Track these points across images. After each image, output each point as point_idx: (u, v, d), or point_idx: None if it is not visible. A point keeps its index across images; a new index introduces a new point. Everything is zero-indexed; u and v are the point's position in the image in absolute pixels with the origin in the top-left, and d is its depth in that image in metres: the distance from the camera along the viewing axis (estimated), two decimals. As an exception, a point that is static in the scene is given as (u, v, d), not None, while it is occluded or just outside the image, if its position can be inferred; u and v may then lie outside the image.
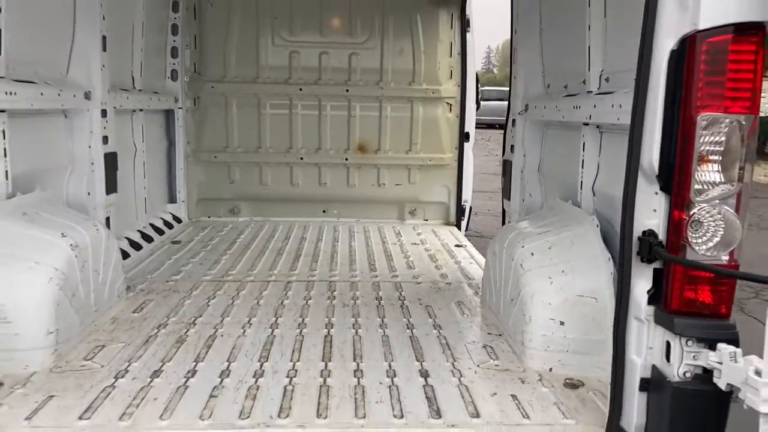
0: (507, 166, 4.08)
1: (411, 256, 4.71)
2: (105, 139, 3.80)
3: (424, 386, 2.48)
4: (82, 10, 3.58)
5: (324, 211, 6.01)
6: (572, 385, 2.50)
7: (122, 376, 2.49)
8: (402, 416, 2.23)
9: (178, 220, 5.59)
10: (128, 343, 2.84)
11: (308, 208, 5.97)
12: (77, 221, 3.06)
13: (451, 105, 5.85)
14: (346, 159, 5.93)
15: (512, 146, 4.03)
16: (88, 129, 3.67)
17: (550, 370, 2.61)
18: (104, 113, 3.78)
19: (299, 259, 4.56)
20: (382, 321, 3.24)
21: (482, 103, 9.25)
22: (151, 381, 2.46)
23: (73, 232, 2.87)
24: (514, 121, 4.01)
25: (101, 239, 3.12)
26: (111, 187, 3.91)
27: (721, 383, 1.74)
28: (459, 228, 5.88)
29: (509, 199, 4.05)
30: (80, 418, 2.16)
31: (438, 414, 2.25)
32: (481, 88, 12.61)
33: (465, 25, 5.76)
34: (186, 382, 2.46)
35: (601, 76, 2.96)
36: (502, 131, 4.42)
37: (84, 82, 3.63)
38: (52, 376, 2.48)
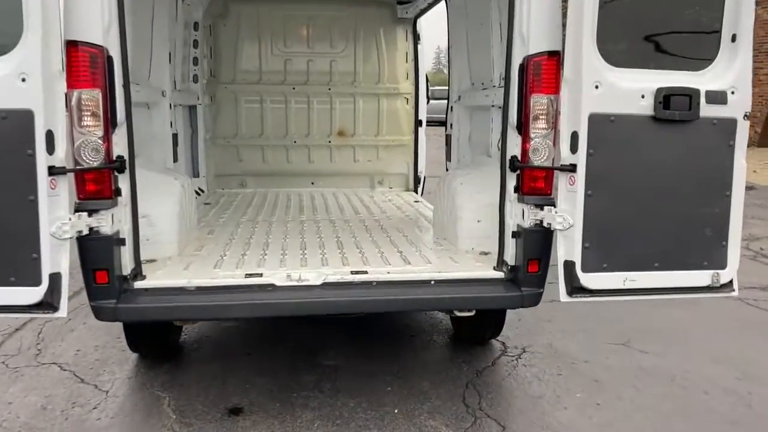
0: (448, 138, 5.97)
1: (382, 207, 6.55)
2: (171, 124, 5.49)
3: (400, 256, 4.32)
4: (156, 35, 5.25)
5: (312, 183, 7.76)
6: (484, 253, 4.36)
7: (225, 256, 4.23)
8: (389, 263, 4.07)
9: (202, 191, 7.25)
10: (216, 245, 4.57)
11: (300, 180, 7.71)
12: (175, 173, 4.76)
13: (407, 99, 7.71)
14: (329, 141, 7.71)
15: (451, 124, 5.92)
16: (162, 117, 5.35)
17: (472, 249, 4.47)
18: (171, 106, 5.47)
19: (303, 210, 6.33)
20: (371, 234, 5.06)
21: (433, 101, 10.96)
22: (242, 258, 4.21)
23: (179, 178, 4.58)
24: (452, 107, 5.90)
25: (188, 185, 4.83)
26: (175, 157, 5.60)
27: (545, 224, 3.63)
28: (416, 192, 7.75)
29: (450, 161, 5.94)
30: (214, 268, 3.90)
31: (408, 262, 4.10)
32: (431, 88, 14.42)
33: (416, 38, 7.63)
34: (263, 257, 4.23)
35: (499, 76, 4.86)
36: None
37: (159, 84, 5.30)
38: (182, 257, 4.19)
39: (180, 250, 4.29)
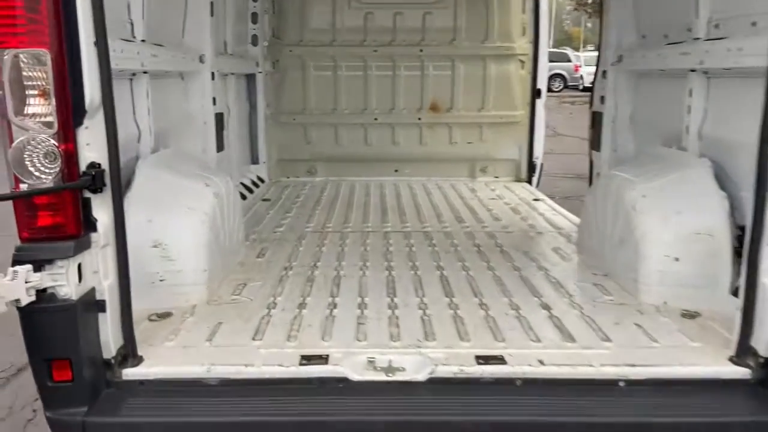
0: (596, 117, 4.18)
1: (493, 209, 4.87)
2: (214, 100, 4.04)
3: (549, 317, 2.68)
4: None
5: (396, 170, 6.19)
6: (689, 315, 2.67)
7: (273, 308, 2.76)
8: (538, 340, 2.44)
9: (261, 180, 5.85)
10: (264, 282, 3.11)
11: (380, 167, 6.15)
12: (211, 173, 3.32)
13: (523, 61, 5.91)
14: (419, 118, 6.08)
15: (602, 97, 4.12)
16: (201, 90, 3.91)
17: (665, 303, 2.77)
18: (213, 76, 4.01)
19: (387, 213, 4.77)
20: (488, 264, 3.44)
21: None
22: (299, 312, 2.72)
23: (213, 183, 3.12)
24: (604, 72, 4.09)
25: (231, 190, 3.38)
26: (220, 145, 4.18)
27: None
28: (530, 182, 6.01)
29: (599, 150, 4.16)
30: (253, 339, 2.43)
31: (571, 338, 2.45)
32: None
33: (537, -20, 5.79)
34: (331, 313, 2.72)
35: (709, 22, 3.03)
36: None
37: (197, 46, 3.84)
38: (212, 307, 2.76)
39: (209, 295, 2.85)
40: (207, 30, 3.93)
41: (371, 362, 2.24)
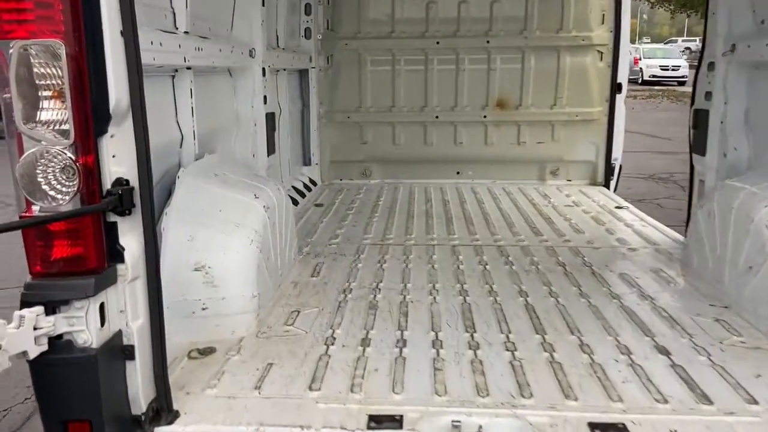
0: (700, 116, 3.59)
1: (572, 219, 4.34)
2: (265, 99, 3.67)
3: (670, 366, 2.17)
4: None
5: (458, 173, 5.71)
6: None
7: (332, 344, 2.35)
8: (665, 401, 1.94)
9: (314, 183, 5.49)
10: (321, 308, 2.71)
11: (441, 169, 5.69)
12: (261, 182, 2.94)
13: (602, 53, 5.32)
14: (484, 116, 5.58)
15: (708, 93, 3.53)
16: (251, 88, 3.54)
17: (812, 349, 2.23)
18: (264, 72, 3.65)
19: (452, 222, 4.31)
20: (580, 290, 2.93)
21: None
22: (363, 350, 2.30)
23: (263, 194, 2.74)
24: (711, 64, 3.50)
25: (282, 200, 2.99)
26: (271, 148, 3.82)
27: None
28: (607, 187, 5.43)
29: (703, 155, 3.58)
30: (310, 388, 2.02)
31: (707, 399, 1.94)
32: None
33: (619, -38, 5.19)
34: (400, 352, 2.28)
35: None
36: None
37: (247, 39, 3.48)
38: (261, 341, 2.37)
39: (258, 326, 2.47)
40: (258, 22, 3.56)
41: (456, 427, 1.80)
